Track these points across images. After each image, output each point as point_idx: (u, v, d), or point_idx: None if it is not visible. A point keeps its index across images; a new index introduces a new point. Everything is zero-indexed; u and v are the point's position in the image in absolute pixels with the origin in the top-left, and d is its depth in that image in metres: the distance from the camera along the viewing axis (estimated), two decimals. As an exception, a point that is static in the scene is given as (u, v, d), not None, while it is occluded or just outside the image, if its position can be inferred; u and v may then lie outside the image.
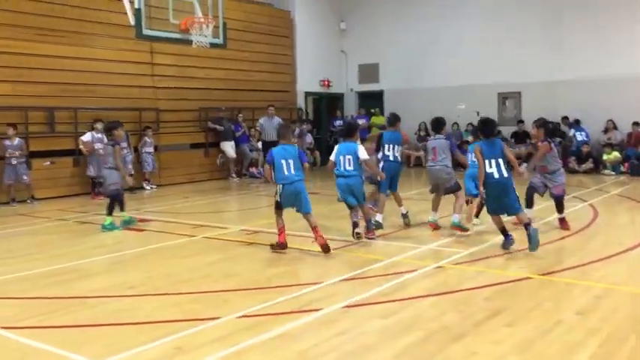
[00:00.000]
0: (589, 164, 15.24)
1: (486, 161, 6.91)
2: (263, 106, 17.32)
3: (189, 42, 11.82)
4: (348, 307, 5.02)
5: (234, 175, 16.13)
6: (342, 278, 5.90)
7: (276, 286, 5.69)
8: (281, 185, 7.20)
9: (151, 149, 14.28)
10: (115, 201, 8.99)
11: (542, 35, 16.95)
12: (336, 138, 20.24)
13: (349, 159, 7.60)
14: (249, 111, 17.21)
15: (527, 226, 6.73)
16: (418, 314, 4.85)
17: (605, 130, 15.94)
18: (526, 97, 17.54)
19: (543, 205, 10.00)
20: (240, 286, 5.80)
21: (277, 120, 16.05)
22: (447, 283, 5.71)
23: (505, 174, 6.87)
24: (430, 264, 6.37)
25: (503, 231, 7.00)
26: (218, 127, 15.95)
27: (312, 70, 19.68)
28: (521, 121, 17.27)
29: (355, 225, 7.55)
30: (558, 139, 16.41)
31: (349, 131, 8.01)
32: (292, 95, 19.18)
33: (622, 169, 15.00)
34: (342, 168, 7.64)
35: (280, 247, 7.16)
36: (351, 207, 7.66)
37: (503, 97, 18.06)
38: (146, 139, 14.21)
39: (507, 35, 17.44)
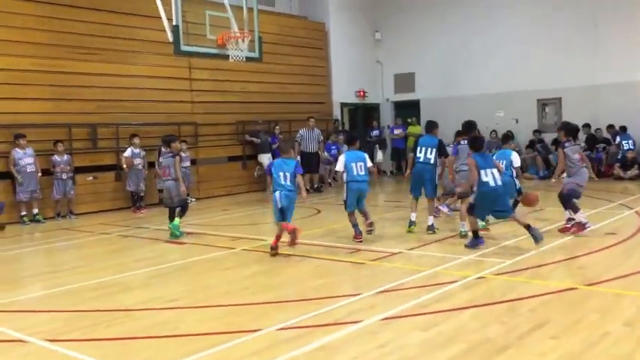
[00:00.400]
0: (634, 171, 14.80)
1: (482, 171, 7.40)
2: (299, 118, 17.42)
3: (226, 57, 11.98)
4: (387, 319, 4.97)
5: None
6: (380, 290, 5.84)
7: (315, 298, 5.68)
8: (278, 192, 7.78)
9: (187, 163, 14.33)
10: (183, 209, 9.40)
11: (580, 38, 16.61)
12: (372, 148, 20.24)
13: (360, 165, 8.27)
14: (286, 123, 17.31)
15: (528, 227, 7.28)
16: (460, 326, 4.76)
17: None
18: (567, 102, 17.17)
19: (593, 211, 9.76)
20: (278, 298, 5.80)
21: (317, 131, 16.14)
22: (489, 294, 5.60)
23: (499, 182, 7.44)
24: (471, 275, 6.26)
25: (476, 232, 7.55)
26: (255, 139, 16.09)
27: (348, 80, 19.71)
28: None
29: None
30: (602, 146, 16.06)
31: (352, 140, 8.77)
32: (328, 106, 19.23)
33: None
34: (355, 173, 8.25)
35: (271, 249, 7.70)
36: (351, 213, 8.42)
37: (542, 104, 17.75)
38: (182, 153, 14.26)
39: (544, 39, 17.17)
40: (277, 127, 16.74)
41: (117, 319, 5.34)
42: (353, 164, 8.25)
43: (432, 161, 8.82)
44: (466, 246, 7.55)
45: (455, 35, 18.97)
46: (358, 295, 5.71)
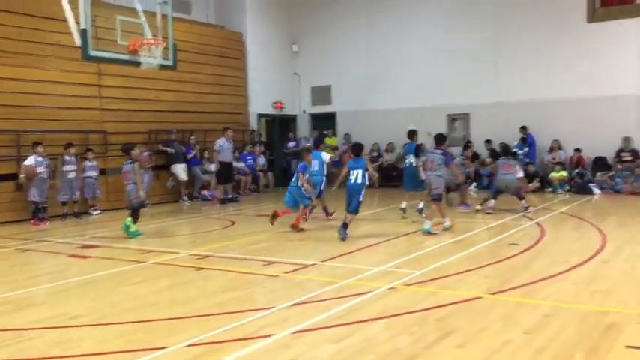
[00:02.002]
0: (535, 183, 15.61)
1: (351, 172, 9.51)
2: (215, 128, 17.20)
3: (137, 63, 11.63)
4: (299, 332, 4.93)
5: (185, 198, 15.87)
6: (293, 302, 5.80)
7: (227, 312, 5.56)
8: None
9: (93, 173, 13.76)
10: (139, 211, 10.18)
11: (489, 58, 17.44)
12: (289, 160, 20.28)
13: (357, 173, 9.47)
14: (201, 133, 17.03)
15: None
16: (370, 337, 4.80)
17: (550, 150, 16.42)
18: (474, 118, 17.93)
19: (497, 222, 10.19)
20: (189, 313, 5.63)
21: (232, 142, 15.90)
22: (399, 305, 5.69)
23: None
24: (383, 285, 6.35)
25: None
26: (169, 149, 15.71)
27: (265, 91, 19.68)
28: (469, 142, 17.61)
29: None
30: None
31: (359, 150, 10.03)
32: (245, 117, 19.11)
33: (567, 187, 15.44)
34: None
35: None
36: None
37: (452, 119, 18.43)
38: (87, 162, 13.65)
39: (456, 58, 17.89)
40: (193, 138, 16.43)
41: (7, 340, 4.98)
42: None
43: (414, 163, 11.31)
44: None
45: (371, 50, 19.41)
46: (271, 308, 5.64)
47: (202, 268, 7.58)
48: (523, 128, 16.58)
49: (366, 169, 9.53)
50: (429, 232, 9.47)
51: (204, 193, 16.23)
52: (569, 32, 16.32)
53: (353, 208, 9.43)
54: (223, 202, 15.18)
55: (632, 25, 15.57)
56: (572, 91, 16.23)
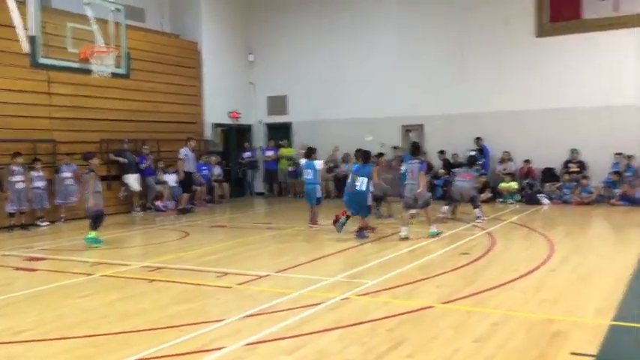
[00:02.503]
0: (487, 193, 15.96)
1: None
2: (169, 137, 17.04)
3: (89, 71, 11.42)
4: (252, 344, 4.90)
5: (138, 208, 15.59)
6: (246, 314, 5.76)
7: (179, 325, 5.48)
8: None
9: (41, 184, 13.30)
10: (98, 219, 10.17)
11: (444, 71, 17.77)
12: (244, 170, 20.19)
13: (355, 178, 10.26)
14: (155, 142, 16.79)
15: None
16: (322, 348, 4.80)
17: (501, 161, 16.82)
18: (428, 129, 18.23)
19: (450, 232, 10.35)
20: (140, 326, 5.53)
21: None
22: (352, 315, 5.71)
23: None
24: (336, 296, 6.37)
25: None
26: (121, 159, 15.42)
27: (221, 101, 19.56)
28: (424, 152, 17.90)
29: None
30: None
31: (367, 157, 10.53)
32: (200, 126, 18.93)
33: (517, 197, 15.84)
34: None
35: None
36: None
37: (406, 130, 18.69)
38: (33, 173, 13.14)
39: (411, 70, 18.18)
40: (146, 147, 16.19)
41: (-50, 356, 4.80)
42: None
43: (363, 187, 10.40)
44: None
45: (327, 60, 19.53)
46: (223, 320, 5.59)
47: (154, 280, 7.45)
48: (478, 139, 16.95)
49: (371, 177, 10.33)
50: (436, 234, 10.12)
51: (158, 203, 15.98)
52: (520, 46, 16.79)
53: (364, 214, 10.36)
54: (184, 211, 15.03)
55: (579, 40, 16.13)
56: (523, 103, 16.69)
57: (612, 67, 15.72)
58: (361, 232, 10.25)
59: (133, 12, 16.16)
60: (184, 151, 15.19)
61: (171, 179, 16.39)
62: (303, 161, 12.21)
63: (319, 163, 11.90)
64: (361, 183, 10.17)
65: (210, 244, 10.39)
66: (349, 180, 10.74)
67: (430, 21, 17.96)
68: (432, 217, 10.48)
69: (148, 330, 5.41)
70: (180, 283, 7.30)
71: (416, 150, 10.63)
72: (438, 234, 10.17)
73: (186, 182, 15.34)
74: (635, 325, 5.26)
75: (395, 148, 17.26)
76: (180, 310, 6.07)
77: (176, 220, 14.13)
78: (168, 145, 17.26)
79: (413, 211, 11.07)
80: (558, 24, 16.43)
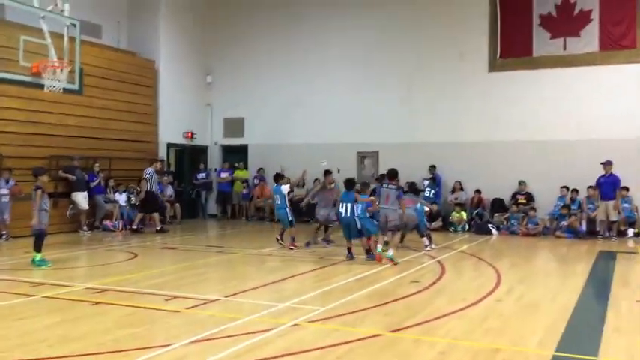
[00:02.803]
0: (438, 222, 16.21)
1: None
2: (122, 156, 16.80)
3: (41, 86, 11.16)
4: (197, 370, 4.80)
5: (85, 228, 15.16)
6: (193, 339, 5.65)
7: (123, 350, 5.33)
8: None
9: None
10: (38, 238, 9.77)
11: (399, 100, 18.10)
12: (198, 191, 19.95)
13: (347, 205, 10.75)
14: (106, 160, 16.45)
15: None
16: (270, 376, 4.74)
17: (453, 190, 17.15)
18: (383, 156, 18.45)
19: (400, 260, 10.43)
20: (81, 351, 5.35)
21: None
22: (301, 342, 5.67)
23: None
24: (286, 322, 6.32)
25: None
26: (70, 176, 15.03)
27: (176, 121, 19.36)
28: (378, 179, 18.07)
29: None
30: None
31: (351, 185, 11.06)
32: (154, 146, 18.66)
33: (467, 227, 16.14)
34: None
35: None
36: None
37: (362, 157, 18.89)
38: None
39: (368, 98, 18.45)
40: (97, 165, 15.85)
41: None
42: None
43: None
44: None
45: (285, 85, 19.64)
46: (169, 345, 5.47)
47: (99, 303, 7.23)
48: (432, 167, 17.24)
49: (355, 201, 10.74)
50: (391, 259, 10.28)
51: (107, 223, 15.60)
52: (474, 80, 17.30)
53: (356, 236, 10.85)
54: (162, 231, 15.30)
55: (530, 76, 16.72)
56: (475, 134, 17.12)
57: (559, 103, 16.34)
58: (370, 254, 10.66)
59: (89, 28, 15.93)
60: (150, 172, 15.50)
61: (121, 199, 16.08)
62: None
63: (285, 188, 12.34)
64: (345, 210, 10.72)
65: (159, 267, 10.19)
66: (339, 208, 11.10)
67: (389, 50, 18.31)
68: (396, 243, 11.09)
69: (89, 354, 5.24)
70: (126, 306, 7.12)
71: (393, 176, 10.89)
72: (393, 259, 10.23)
73: (149, 202, 15.47)
74: (576, 356, 5.39)
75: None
76: (124, 334, 5.90)
77: (125, 240, 13.82)
78: (120, 163, 16.95)
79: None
80: (509, 60, 17.02)
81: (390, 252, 10.32)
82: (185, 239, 14.69)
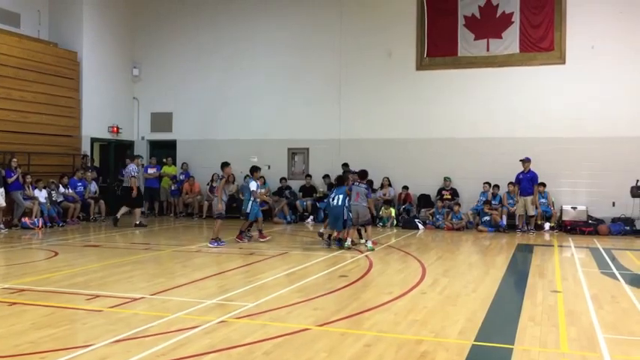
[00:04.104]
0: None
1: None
2: (42, 150, 16.17)
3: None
4: (120, 371, 4.68)
5: (2, 225, 14.44)
6: (116, 339, 5.50)
7: (40, 352, 5.12)
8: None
9: None
10: None
11: (328, 97, 18.28)
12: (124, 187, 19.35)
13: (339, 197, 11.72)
14: (24, 155, 15.73)
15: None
16: (195, 374, 4.68)
17: (381, 187, 17.45)
18: (313, 153, 18.57)
19: (330, 255, 10.52)
20: (-5, 354, 5.10)
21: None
22: (228, 339, 5.63)
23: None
24: (213, 319, 6.25)
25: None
26: (-15, 171, 14.29)
27: (101, 115, 18.77)
28: (309, 175, 18.21)
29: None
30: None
31: (341, 180, 12.14)
32: (77, 140, 18.01)
33: (395, 222, 16.48)
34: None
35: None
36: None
37: (292, 153, 18.92)
38: None
39: (298, 95, 18.55)
40: (14, 160, 15.12)
41: None
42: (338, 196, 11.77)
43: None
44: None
45: (214, 80, 19.41)
46: (90, 346, 5.30)
47: (15, 304, 6.91)
48: (345, 165, 17.13)
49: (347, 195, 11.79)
50: (372, 250, 11.49)
51: (26, 220, 14.92)
52: (401, 78, 17.67)
53: (339, 227, 11.70)
54: (140, 225, 15.55)
55: (455, 75, 17.23)
56: (403, 132, 17.52)
57: (482, 101, 16.96)
58: (339, 242, 11.76)
59: (6, 16, 15.21)
60: (134, 168, 15.84)
61: (41, 195, 15.42)
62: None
63: (253, 185, 12.70)
64: (337, 201, 11.67)
65: (81, 265, 9.83)
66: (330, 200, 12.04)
67: (315, 48, 18.43)
68: (370, 234, 12.04)
69: (4, 357, 5.01)
70: (45, 306, 6.84)
71: (364, 175, 12.31)
72: (372, 249, 11.51)
73: (138, 198, 15.96)
74: (494, 344, 5.62)
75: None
76: (42, 336, 5.67)
77: (44, 238, 13.28)
78: (40, 158, 16.26)
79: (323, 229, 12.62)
80: (436, 59, 17.49)
81: (369, 243, 11.71)
82: (109, 237, 14.26)
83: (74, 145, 17.81)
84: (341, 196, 11.70)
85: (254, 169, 13.13)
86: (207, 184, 18.41)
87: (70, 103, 17.82)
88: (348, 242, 11.67)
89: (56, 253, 11.00)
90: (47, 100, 16.87)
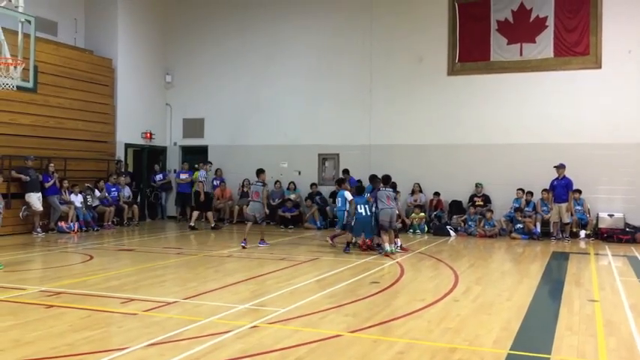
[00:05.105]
0: (397, 224, 16.31)
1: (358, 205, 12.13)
2: (78, 156, 16.45)
3: (-8, 84, 10.81)
4: (155, 374, 4.73)
5: (39, 229, 14.76)
6: (151, 342, 5.57)
7: (77, 354, 5.22)
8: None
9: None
10: None
11: (359, 103, 18.22)
12: (157, 193, 19.64)
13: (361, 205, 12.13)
14: (61, 161, 16.06)
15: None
16: (229, 378, 4.70)
17: (412, 193, 17.34)
18: (343, 158, 18.55)
19: (360, 261, 10.49)
20: (34, 355, 5.20)
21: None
22: (261, 344, 5.65)
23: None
24: (246, 324, 6.28)
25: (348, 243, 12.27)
26: (23, 176, 14.62)
27: (134, 121, 19.07)
28: (338, 181, 18.15)
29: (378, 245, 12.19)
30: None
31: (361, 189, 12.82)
32: (111, 146, 18.33)
33: (426, 229, 16.35)
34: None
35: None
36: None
37: (323, 158, 18.94)
38: None
39: (329, 100, 18.53)
40: (52, 165, 15.46)
41: None
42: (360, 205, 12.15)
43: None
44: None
45: (246, 86, 19.56)
46: (126, 348, 5.37)
47: (53, 306, 7.05)
48: (345, 171, 17.00)
49: (367, 202, 12.14)
50: (392, 252, 11.69)
51: (62, 225, 15.22)
52: (433, 83, 17.53)
53: (368, 235, 12.28)
54: (216, 228, 16.62)
55: (487, 80, 17.02)
56: (434, 137, 17.37)
57: (515, 107, 16.71)
58: (380, 247, 12.04)
59: (44, 24, 15.56)
60: (203, 174, 16.87)
61: (77, 200, 15.73)
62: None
63: (349, 195, 12.96)
64: (364, 211, 12.03)
65: (115, 269, 9.99)
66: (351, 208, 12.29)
67: (346, 53, 18.41)
68: (392, 237, 12.14)
69: (42, 359, 5.11)
70: (81, 309, 6.96)
71: (387, 180, 12.34)
72: (392, 252, 11.71)
73: (206, 202, 16.80)
74: (530, 354, 5.52)
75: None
76: (79, 338, 5.77)
77: (80, 242, 13.53)
78: (75, 164, 16.60)
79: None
80: (468, 64, 17.32)
81: (389, 246, 11.88)
82: (143, 241, 14.47)
83: (109, 150, 18.14)
84: (366, 206, 12.06)
85: (260, 171, 13.52)
86: (239, 189, 18.53)
87: (105, 110, 18.16)
88: (391, 247, 11.85)
89: (91, 257, 11.20)
90: (83, 107, 17.22)
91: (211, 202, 17.30)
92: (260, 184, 13.16)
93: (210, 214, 16.92)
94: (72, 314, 6.72)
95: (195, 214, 16.79)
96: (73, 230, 15.17)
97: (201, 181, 16.79)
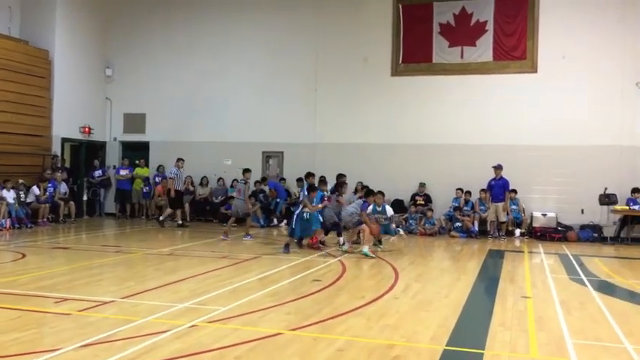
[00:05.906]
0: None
1: None
2: (11, 150, 15.80)
3: None
4: (87, 376, 4.59)
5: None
6: (84, 343, 5.40)
7: (4, 357, 5.00)
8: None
9: None
10: None
11: (303, 101, 18.27)
12: (95, 189, 19.10)
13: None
14: (-7, 155, 15.42)
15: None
16: (165, 379, 4.62)
17: (355, 191, 17.44)
18: (288, 156, 18.53)
19: (303, 259, 10.49)
20: (-43, 358, 4.97)
21: None
22: (199, 343, 5.57)
23: None
24: (184, 323, 6.18)
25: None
26: (-49, 171, 13.94)
27: (72, 115, 18.47)
28: (283, 179, 18.17)
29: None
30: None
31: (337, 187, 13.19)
32: (47, 140, 17.67)
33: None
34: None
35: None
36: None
37: (267, 156, 18.86)
38: None
39: (274, 98, 18.48)
40: (-19, 159, 14.80)
41: None
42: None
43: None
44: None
45: (189, 80, 19.26)
46: (58, 349, 5.19)
47: (-19, 307, 6.75)
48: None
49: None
50: (366, 255, 11.47)
51: (-7, 221, 14.60)
52: (376, 84, 17.74)
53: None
54: (182, 226, 16.28)
55: (430, 82, 17.36)
56: (378, 137, 17.59)
57: (457, 107, 17.12)
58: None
59: (-25, 12, 14.88)
60: (174, 170, 16.32)
61: (9, 195, 15.11)
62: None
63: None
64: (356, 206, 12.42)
65: (49, 267, 9.65)
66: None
67: (291, 52, 18.40)
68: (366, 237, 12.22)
69: (-33, 362, 4.88)
70: (11, 309, 6.69)
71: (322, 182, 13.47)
72: (368, 255, 11.49)
73: (177, 199, 16.39)
74: (465, 349, 5.67)
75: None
76: (6, 340, 5.53)
77: (12, 239, 13.00)
78: (8, 158, 15.93)
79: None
80: (411, 65, 17.61)
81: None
82: (79, 239, 14.04)
83: (44, 145, 17.49)
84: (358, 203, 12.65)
85: (246, 171, 14.22)
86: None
87: (41, 103, 17.50)
88: (347, 244, 12.25)
89: (24, 255, 10.78)
90: (17, 99, 16.54)
91: (182, 200, 16.96)
92: (243, 182, 13.96)
93: (179, 212, 16.63)
94: (1, 315, 6.45)
95: (169, 211, 16.48)
96: (5, 227, 14.57)
97: (171, 178, 16.38)
